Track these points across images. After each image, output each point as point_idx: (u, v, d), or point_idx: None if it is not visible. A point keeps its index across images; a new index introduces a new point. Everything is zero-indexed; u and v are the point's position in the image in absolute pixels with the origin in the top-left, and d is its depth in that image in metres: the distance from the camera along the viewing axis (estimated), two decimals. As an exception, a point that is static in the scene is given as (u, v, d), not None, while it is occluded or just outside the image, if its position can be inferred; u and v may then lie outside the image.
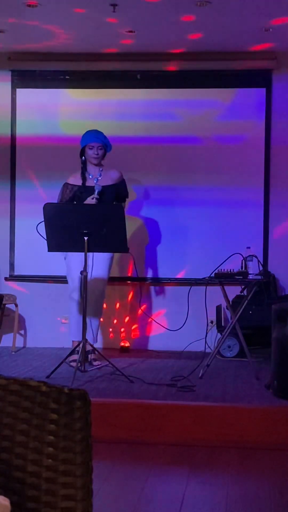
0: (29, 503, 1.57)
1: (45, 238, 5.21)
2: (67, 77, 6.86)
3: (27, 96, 6.89)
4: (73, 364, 5.27)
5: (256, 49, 6.49)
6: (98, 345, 6.08)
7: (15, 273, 6.89)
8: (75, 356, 5.38)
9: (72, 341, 5.78)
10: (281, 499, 3.50)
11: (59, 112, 6.87)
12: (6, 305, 6.55)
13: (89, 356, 5.64)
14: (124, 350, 6.56)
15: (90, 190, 5.63)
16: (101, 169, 5.78)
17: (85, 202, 5.57)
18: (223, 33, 6.04)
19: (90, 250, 5.18)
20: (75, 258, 5.58)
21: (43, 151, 6.83)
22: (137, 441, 4.34)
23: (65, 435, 1.57)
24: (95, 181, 5.71)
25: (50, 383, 1.60)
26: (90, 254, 5.43)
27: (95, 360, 5.65)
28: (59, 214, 5.19)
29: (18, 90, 6.89)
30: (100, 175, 5.75)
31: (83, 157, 5.75)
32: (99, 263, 5.67)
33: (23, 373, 5.45)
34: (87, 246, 5.10)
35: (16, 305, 6.54)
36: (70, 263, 5.74)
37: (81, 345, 5.13)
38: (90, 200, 5.55)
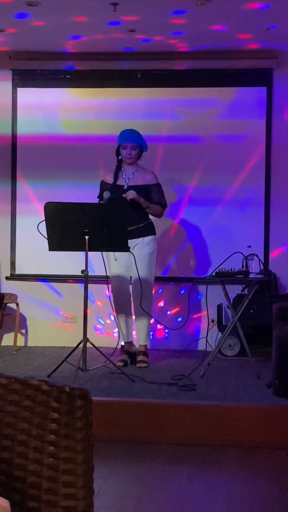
0: (30, 502, 1.58)
1: (46, 237, 5.22)
2: (67, 76, 6.86)
3: (28, 95, 6.88)
4: (120, 364, 5.48)
5: (256, 48, 6.49)
6: (99, 344, 6.06)
7: (16, 272, 6.89)
8: (124, 357, 5.65)
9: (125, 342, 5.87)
10: (282, 498, 3.51)
11: (60, 111, 6.86)
12: (7, 304, 6.55)
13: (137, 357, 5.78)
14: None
15: (120, 189, 5.65)
16: (135, 169, 5.77)
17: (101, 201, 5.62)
18: (223, 32, 6.03)
19: (91, 249, 5.18)
20: (120, 258, 5.61)
21: (44, 151, 6.82)
22: (138, 440, 4.34)
23: (66, 434, 1.57)
24: (126, 181, 5.70)
25: (51, 382, 1.61)
26: (130, 254, 5.50)
27: (143, 361, 5.71)
28: (60, 213, 5.19)
29: (19, 89, 6.89)
30: (133, 175, 5.75)
31: (119, 156, 5.76)
32: (140, 262, 5.64)
33: (24, 372, 5.45)
34: (88, 245, 5.10)
35: (17, 304, 6.54)
36: (113, 264, 5.72)
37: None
38: (105, 199, 5.57)
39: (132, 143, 5.69)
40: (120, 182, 5.72)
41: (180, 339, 6.52)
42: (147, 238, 5.71)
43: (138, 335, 5.86)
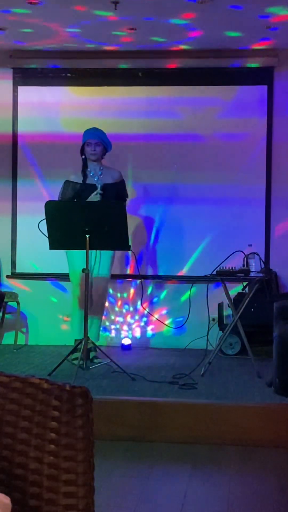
0: (30, 500, 1.57)
1: (47, 235, 5.22)
2: (68, 74, 6.86)
3: (29, 93, 6.89)
4: (76, 362, 5.29)
5: (257, 47, 6.48)
6: (100, 343, 6.06)
7: (17, 271, 6.89)
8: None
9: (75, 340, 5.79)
10: (283, 497, 3.50)
11: (61, 109, 6.86)
12: (8, 303, 6.55)
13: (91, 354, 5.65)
14: (125, 347, 6.56)
15: (91, 187, 5.64)
16: (101, 167, 5.78)
17: (88, 199, 5.57)
18: (224, 31, 6.03)
19: (92, 247, 5.18)
20: (77, 255, 5.57)
21: (45, 149, 6.83)
22: (139, 439, 4.34)
23: (67, 433, 1.57)
24: (95, 179, 5.71)
25: (51, 380, 1.60)
26: (92, 252, 5.44)
27: (96, 358, 5.66)
28: (60, 211, 5.19)
29: (19, 87, 6.89)
30: (101, 173, 5.75)
31: (84, 156, 5.76)
32: (101, 261, 5.67)
33: (25, 370, 5.45)
34: (88, 243, 5.10)
35: (18, 303, 6.54)
36: (72, 260, 5.72)
37: (83, 342, 5.13)
38: (94, 197, 5.56)
39: (95, 139, 5.70)
40: (89, 181, 5.71)
41: (181, 338, 6.52)
42: None
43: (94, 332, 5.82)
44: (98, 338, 5.77)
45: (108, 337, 6.78)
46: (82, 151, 5.77)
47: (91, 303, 5.63)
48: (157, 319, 6.61)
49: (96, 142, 5.70)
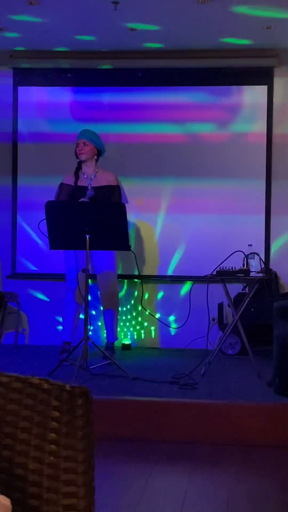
0: (30, 500, 1.58)
1: (47, 236, 5.22)
2: (68, 75, 6.86)
3: (29, 94, 6.89)
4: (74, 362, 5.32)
5: (257, 47, 6.48)
6: (100, 342, 6.07)
7: (17, 271, 6.89)
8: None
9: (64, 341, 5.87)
10: (284, 496, 3.51)
11: (61, 110, 6.86)
12: (8, 303, 6.55)
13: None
14: (125, 347, 6.56)
15: (82, 190, 5.64)
16: (96, 170, 5.77)
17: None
18: (224, 31, 6.03)
19: (92, 248, 5.18)
20: (72, 255, 5.56)
21: (45, 149, 6.83)
22: (139, 439, 4.34)
23: (67, 433, 1.57)
24: (88, 181, 5.70)
25: (52, 380, 1.61)
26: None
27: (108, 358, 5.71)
28: (60, 212, 5.19)
29: (19, 88, 6.89)
30: (95, 176, 5.74)
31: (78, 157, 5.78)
32: (102, 258, 5.66)
33: (25, 371, 5.45)
34: (88, 244, 5.11)
35: (18, 303, 6.54)
36: (68, 260, 5.71)
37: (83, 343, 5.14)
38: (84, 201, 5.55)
39: (83, 139, 5.70)
40: (82, 183, 5.71)
41: (181, 337, 6.52)
42: None
43: (107, 331, 5.89)
44: (116, 337, 5.86)
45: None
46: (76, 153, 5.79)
47: (104, 301, 5.70)
48: (157, 319, 6.61)
49: (84, 141, 5.70)
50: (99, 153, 5.78)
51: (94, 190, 5.63)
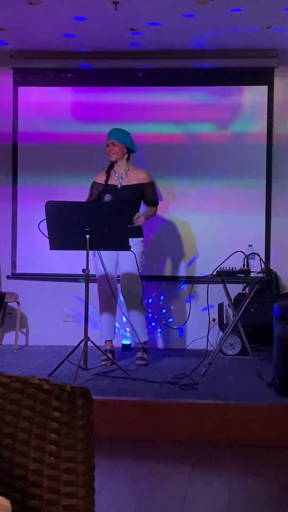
0: (31, 500, 1.57)
1: (47, 236, 5.22)
2: (68, 75, 6.85)
3: (29, 94, 6.88)
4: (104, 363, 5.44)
5: (258, 47, 6.48)
6: (100, 342, 6.05)
7: (17, 271, 6.89)
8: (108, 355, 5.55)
9: (105, 341, 5.87)
10: (284, 497, 3.50)
11: (61, 110, 6.86)
12: (8, 303, 6.55)
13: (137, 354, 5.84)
14: (125, 347, 6.56)
15: (111, 188, 5.65)
16: (127, 168, 5.78)
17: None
18: (224, 31, 6.03)
19: (92, 248, 5.18)
20: (106, 256, 5.58)
21: (45, 150, 6.82)
22: (139, 439, 4.34)
23: (67, 433, 1.57)
24: (119, 180, 5.71)
25: (52, 381, 1.60)
26: (115, 252, 5.58)
27: (142, 359, 5.73)
28: (60, 212, 5.19)
29: (20, 88, 6.89)
30: (126, 174, 5.75)
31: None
32: (126, 259, 5.65)
33: (25, 371, 5.45)
34: (89, 244, 5.11)
35: (18, 303, 6.54)
36: (98, 262, 5.69)
37: (84, 342, 5.14)
38: (106, 199, 5.56)
39: (111, 139, 5.71)
40: (112, 181, 5.73)
41: (181, 338, 6.51)
42: (135, 240, 5.66)
43: (137, 332, 5.85)
44: (145, 336, 5.84)
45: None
46: None
47: (129, 302, 5.73)
48: (157, 319, 6.60)
49: (113, 142, 5.71)
50: (130, 151, 5.78)
51: (122, 190, 5.65)
